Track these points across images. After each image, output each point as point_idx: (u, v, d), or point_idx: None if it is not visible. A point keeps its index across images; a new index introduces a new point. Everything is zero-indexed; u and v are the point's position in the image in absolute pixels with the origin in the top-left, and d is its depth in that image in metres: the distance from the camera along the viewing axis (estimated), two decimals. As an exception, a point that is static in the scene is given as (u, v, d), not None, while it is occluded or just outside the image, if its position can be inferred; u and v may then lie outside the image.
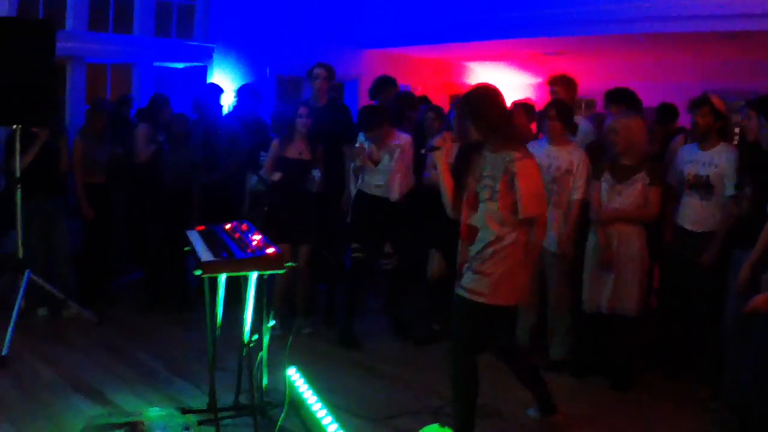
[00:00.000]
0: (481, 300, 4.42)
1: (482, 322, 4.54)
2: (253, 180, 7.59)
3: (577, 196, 6.05)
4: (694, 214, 5.91)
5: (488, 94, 4.55)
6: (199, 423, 4.96)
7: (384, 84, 7.85)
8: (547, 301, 6.28)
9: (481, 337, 4.61)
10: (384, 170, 6.70)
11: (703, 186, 5.81)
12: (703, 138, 5.90)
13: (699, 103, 5.88)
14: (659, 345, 6.45)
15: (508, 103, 5.41)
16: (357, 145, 6.76)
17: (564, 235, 6.04)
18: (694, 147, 6.01)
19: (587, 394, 5.85)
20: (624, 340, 5.98)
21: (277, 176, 6.75)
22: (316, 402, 4.94)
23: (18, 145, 6.74)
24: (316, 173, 6.74)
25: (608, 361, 6.08)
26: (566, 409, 5.20)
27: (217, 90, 8.42)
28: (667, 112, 8.04)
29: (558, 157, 6.08)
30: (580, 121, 6.78)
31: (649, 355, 6.36)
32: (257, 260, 4.52)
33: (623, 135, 5.79)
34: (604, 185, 5.90)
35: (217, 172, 7.62)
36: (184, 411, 5.12)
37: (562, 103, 6.34)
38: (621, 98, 6.82)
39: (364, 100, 8.07)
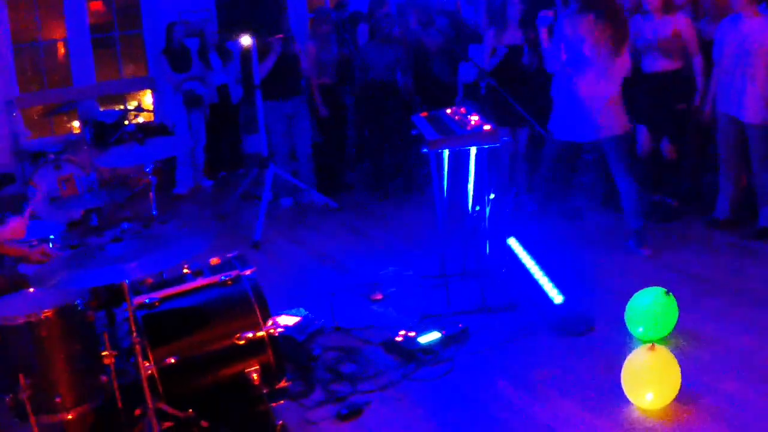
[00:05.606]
0: None
1: None
2: (472, 72, 7.87)
3: None
4: None
5: None
6: (432, 286, 5.61)
7: None
8: (751, 171, 6.28)
9: None
10: None
11: None
12: None
13: None
14: None
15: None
16: None
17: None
18: None
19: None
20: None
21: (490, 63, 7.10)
22: (534, 265, 5.39)
23: (255, 56, 7.47)
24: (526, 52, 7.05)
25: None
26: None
27: None
28: None
29: (753, 31, 5.93)
30: None
31: None
32: (475, 135, 5.01)
33: None
34: None
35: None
36: (420, 277, 5.79)
37: None
38: None
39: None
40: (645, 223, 6.07)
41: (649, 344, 4.01)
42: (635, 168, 6.10)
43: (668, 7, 6.36)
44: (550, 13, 6.01)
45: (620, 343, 4.62)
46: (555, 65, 5.98)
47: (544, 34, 5.98)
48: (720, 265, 5.78)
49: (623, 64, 5.85)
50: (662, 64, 6.48)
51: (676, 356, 4.04)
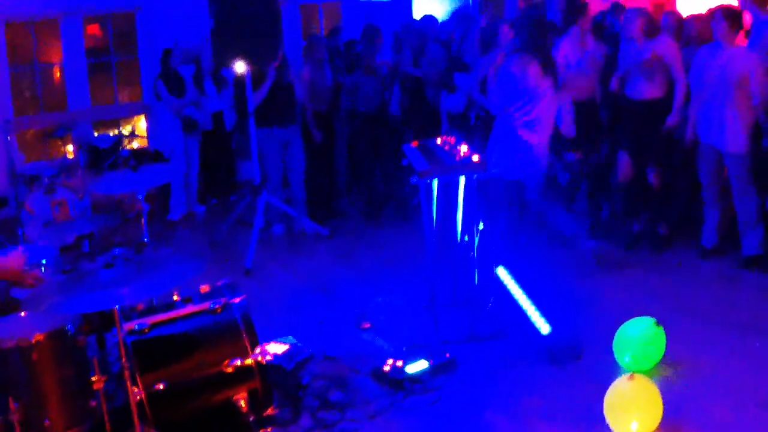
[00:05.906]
0: None
1: None
2: (461, 102, 7.92)
3: (758, 101, 6.01)
4: None
5: None
6: (421, 315, 5.65)
7: None
8: (732, 199, 6.32)
9: None
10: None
11: None
12: None
13: None
14: None
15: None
16: None
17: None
18: None
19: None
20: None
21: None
22: (522, 295, 5.43)
23: (249, 83, 7.53)
24: None
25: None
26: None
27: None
28: None
29: (732, 61, 6.04)
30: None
31: None
32: (464, 165, 5.09)
33: None
34: None
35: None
36: (409, 306, 5.84)
37: (727, 6, 6.22)
38: None
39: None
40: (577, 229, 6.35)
41: (629, 374, 4.05)
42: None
43: (651, 34, 6.45)
44: (499, 53, 6.16)
45: (608, 372, 4.64)
46: (499, 106, 6.12)
47: (491, 73, 6.10)
48: (707, 294, 5.87)
49: (554, 106, 6.05)
50: (646, 90, 6.52)
51: (663, 385, 4.10)
